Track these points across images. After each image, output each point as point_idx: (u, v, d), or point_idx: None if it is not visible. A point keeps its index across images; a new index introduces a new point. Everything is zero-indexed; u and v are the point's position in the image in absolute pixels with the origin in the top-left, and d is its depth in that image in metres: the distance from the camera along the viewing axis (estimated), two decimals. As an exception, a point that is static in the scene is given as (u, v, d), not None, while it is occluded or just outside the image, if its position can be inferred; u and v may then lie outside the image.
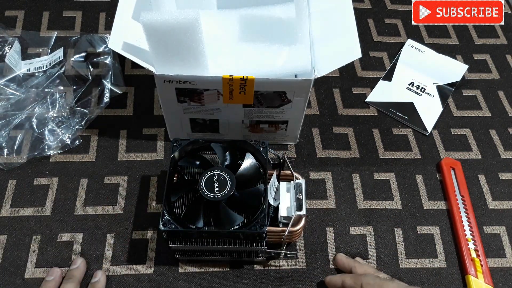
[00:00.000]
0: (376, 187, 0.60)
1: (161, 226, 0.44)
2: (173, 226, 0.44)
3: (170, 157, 0.49)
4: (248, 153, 0.50)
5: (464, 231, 0.56)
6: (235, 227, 0.45)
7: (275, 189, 0.49)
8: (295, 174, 0.51)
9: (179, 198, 0.48)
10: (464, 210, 0.58)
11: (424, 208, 0.58)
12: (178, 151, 0.50)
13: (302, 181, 0.50)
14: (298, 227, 0.49)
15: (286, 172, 0.52)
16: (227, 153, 0.50)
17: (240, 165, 0.48)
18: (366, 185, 0.60)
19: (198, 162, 0.50)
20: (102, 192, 0.57)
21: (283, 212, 0.49)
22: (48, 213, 0.55)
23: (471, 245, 0.55)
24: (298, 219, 0.49)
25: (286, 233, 0.47)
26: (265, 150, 0.50)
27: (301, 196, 0.48)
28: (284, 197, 0.50)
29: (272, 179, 0.49)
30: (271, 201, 0.48)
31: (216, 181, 0.46)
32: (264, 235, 0.46)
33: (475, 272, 0.53)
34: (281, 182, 0.51)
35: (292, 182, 0.50)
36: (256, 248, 0.48)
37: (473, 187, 0.61)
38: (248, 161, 0.49)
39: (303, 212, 0.48)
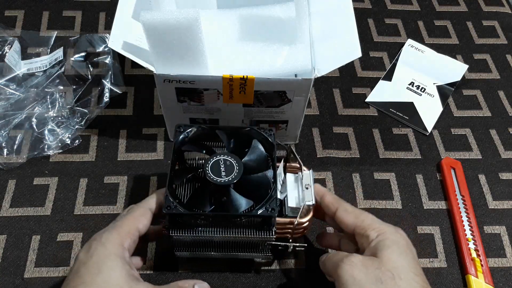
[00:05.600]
0: (376, 186, 0.60)
1: (164, 209, 0.42)
2: (179, 210, 0.42)
3: (170, 157, 0.49)
4: (255, 139, 0.48)
5: (465, 231, 0.56)
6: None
7: (281, 182, 0.48)
8: (302, 165, 0.49)
9: (181, 186, 0.46)
10: (464, 210, 0.58)
11: (425, 208, 0.58)
12: (181, 137, 0.47)
13: (310, 171, 0.48)
14: (306, 219, 0.46)
15: (292, 164, 0.50)
16: (232, 140, 0.48)
17: (246, 152, 0.47)
18: (366, 185, 0.60)
19: (202, 149, 0.47)
20: (102, 192, 0.57)
21: (291, 203, 0.46)
22: (47, 212, 0.55)
23: (471, 245, 0.55)
24: (307, 210, 0.47)
25: (295, 223, 0.45)
26: (272, 137, 0.48)
27: (309, 187, 0.46)
28: (291, 188, 0.47)
29: (278, 169, 0.47)
30: (278, 194, 0.46)
31: (222, 166, 0.44)
32: (273, 220, 0.44)
33: (475, 272, 0.53)
34: (287, 174, 0.48)
35: (300, 173, 0.48)
36: (264, 238, 0.45)
37: (473, 187, 0.61)
38: (255, 148, 0.47)
39: (312, 202, 0.45)
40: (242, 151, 0.47)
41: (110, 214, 0.55)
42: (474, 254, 0.54)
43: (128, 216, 0.43)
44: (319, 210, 0.48)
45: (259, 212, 0.43)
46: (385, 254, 0.39)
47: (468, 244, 0.55)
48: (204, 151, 0.47)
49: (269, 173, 0.46)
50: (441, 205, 0.59)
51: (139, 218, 0.43)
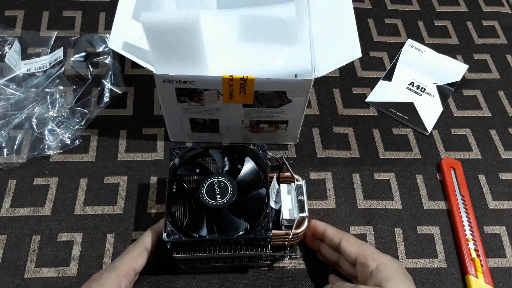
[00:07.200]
0: (376, 187, 0.60)
1: (164, 237, 0.44)
2: (177, 237, 0.44)
3: (169, 157, 0.49)
4: (248, 157, 0.49)
5: (464, 231, 0.56)
6: (239, 234, 0.45)
7: (275, 192, 0.49)
8: (295, 175, 0.50)
9: (180, 207, 0.47)
10: (464, 210, 0.58)
11: (424, 208, 0.58)
12: (176, 159, 0.49)
13: (302, 182, 0.49)
14: (301, 229, 0.48)
15: (285, 174, 0.52)
16: (225, 158, 0.49)
17: (240, 170, 0.48)
18: (366, 185, 0.60)
19: (197, 170, 0.49)
20: (102, 192, 0.57)
21: (285, 215, 0.48)
22: (48, 213, 0.55)
23: (471, 245, 0.55)
24: (301, 221, 0.48)
25: (290, 236, 0.47)
26: (264, 153, 0.49)
27: (302, 198, 0.48)
28: (285, 199, 0.49)
29: (272, 182, 0.49)
30: (273, 204, 0.48)
31: (217, 188, 0.46)
32: (269, 239, 0.45)
33: (475, 272, 0.53)
34: (281, 185, 0.50)
35: (293, 184, 0.50)
36: (261, 253, 0.47)
37: (473, 187, 0.61)
38: (248, 166, 0.48)
39: (305, 214, 0.47)
40: (235, 168, 0.49)
41: (110, 214, 0.55)
42: (474, 254, 0.54)
43: (126, 257, 0.46)
44: (308, 236, 0.52)
45: (256, 233, 0.44)
46: (390, 283, 0.43)
47: (468, 244, 0.55)
48: (199, 173, 0.49)
49: (263, 190, 0.47)
50: (441, 205, 0.59)
51: (136, 258, 0.46)
